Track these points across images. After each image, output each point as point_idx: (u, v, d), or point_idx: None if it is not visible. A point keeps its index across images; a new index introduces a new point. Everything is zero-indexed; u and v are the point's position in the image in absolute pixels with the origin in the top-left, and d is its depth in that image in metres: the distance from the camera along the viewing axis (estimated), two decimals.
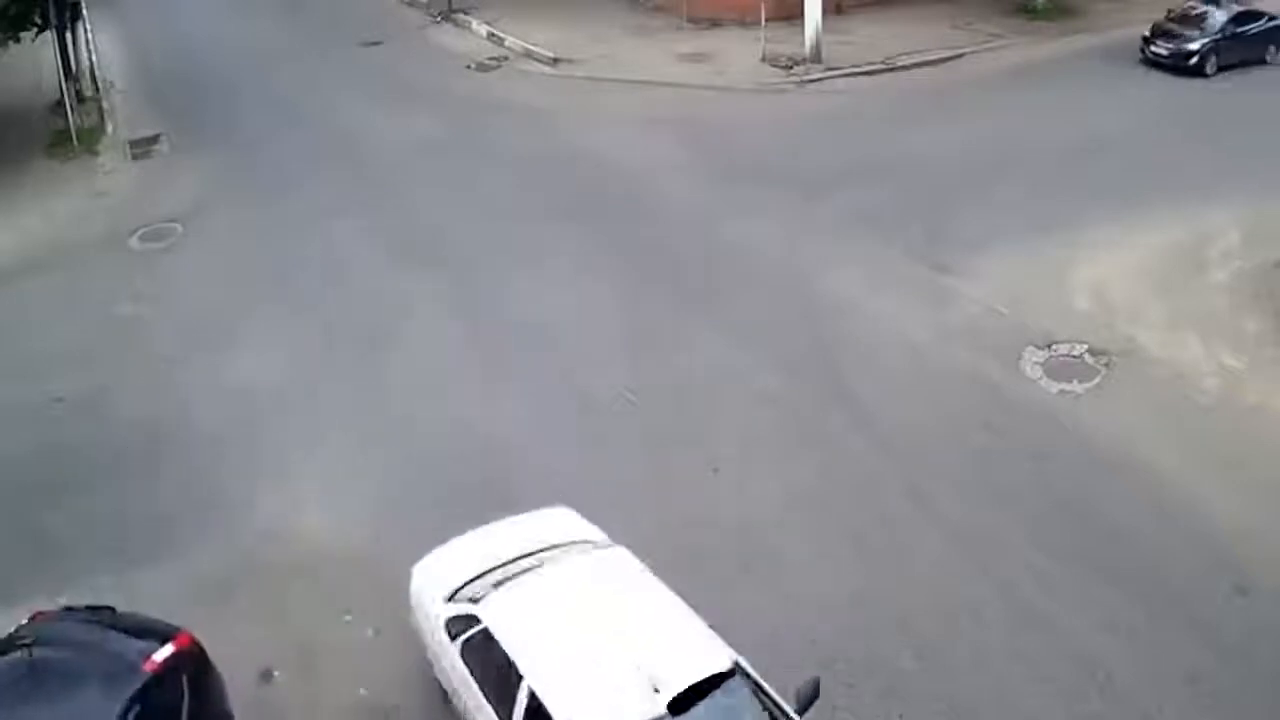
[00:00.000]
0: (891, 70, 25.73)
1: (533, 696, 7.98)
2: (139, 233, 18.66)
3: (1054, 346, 14.69)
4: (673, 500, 12.18)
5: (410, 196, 19.60)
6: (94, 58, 24.86)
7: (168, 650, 8.47)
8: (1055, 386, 13.94)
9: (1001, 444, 12.94)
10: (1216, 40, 25.67)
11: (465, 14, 30.33)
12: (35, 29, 22.86)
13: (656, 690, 7.72)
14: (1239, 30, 26.05)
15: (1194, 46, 25.47)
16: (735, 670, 8.08)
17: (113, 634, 8.63)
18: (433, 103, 23.97)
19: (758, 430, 13.28)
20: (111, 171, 21.48)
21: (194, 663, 8.71)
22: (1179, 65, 25.49)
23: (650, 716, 7.60)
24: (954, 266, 16.64)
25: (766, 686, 8.16)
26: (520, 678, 8.12)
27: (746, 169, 20.40)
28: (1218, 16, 26.04)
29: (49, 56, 23.50)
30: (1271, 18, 26.63)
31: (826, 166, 20.29)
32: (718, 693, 7.90)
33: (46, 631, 8.62)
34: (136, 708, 8.01)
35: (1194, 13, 26.58)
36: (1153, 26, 26.59)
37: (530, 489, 12.32)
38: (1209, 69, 25.50)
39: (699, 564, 11.23)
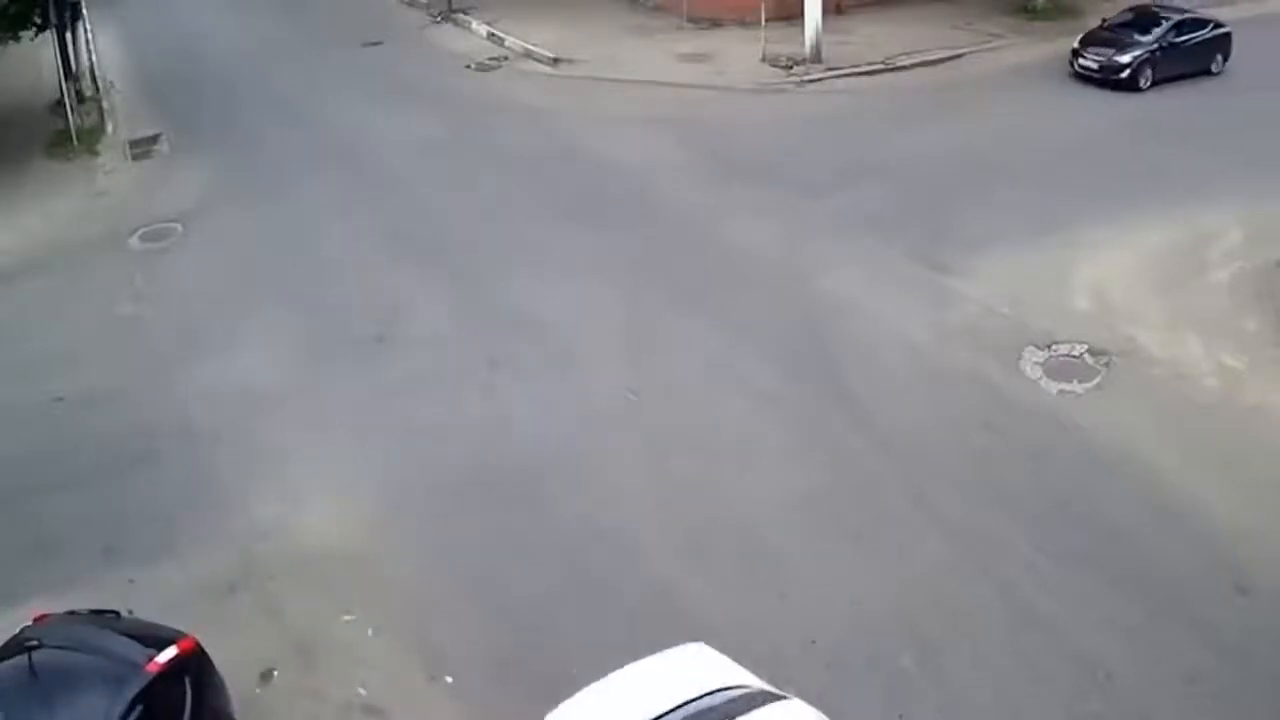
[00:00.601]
0: (891, 70, 25.70)
1: None
2: (139, 233, 18.65)
3: (1054, 346, 14.68)
4: (673, 499, 12.18)
5: (411, 196, 19.60)
6: (94, 58, 24.83)
7: (170, 652, 8.50)
8: (1055, 386, 13.94)
9: (1002, 444, 12.94)
10: (1152, 52, 23.95)
11: (465, 14, 30.32)
12: (35, 29, 22.85)
13: None
14: (1179, 40, 24.37)
15: (1125, 59, 23.73)
16: None
17: (116, 636, 8.66)
18: (433, 103, 23.97)
19: (758, 430, 13.28)
20: (111, 171, 21.47)
21: (197, 665, 8.75)
22: (1108, 79, 23.76)
23: None
24: (954, 266, 16.64)
25: None
26: None
27: (746, 169, 20.40)
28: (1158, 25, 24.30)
29: (49, 56, 23.51)
30: (1218, 25, 25.04)
31: (826, 166, 20.29)
32: None
33: (50, 633, 8.64)
34: (139, 708, 8.05)
35: (1129, 21, 24.96)
36: (1084, 36, 24.87)
37: (531, 488, 12.37)
38: (1143, 83, 23.78)
39: (699, 564, 11.26)
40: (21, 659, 8.20)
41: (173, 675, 8.41)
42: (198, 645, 8.84)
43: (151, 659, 8.37)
